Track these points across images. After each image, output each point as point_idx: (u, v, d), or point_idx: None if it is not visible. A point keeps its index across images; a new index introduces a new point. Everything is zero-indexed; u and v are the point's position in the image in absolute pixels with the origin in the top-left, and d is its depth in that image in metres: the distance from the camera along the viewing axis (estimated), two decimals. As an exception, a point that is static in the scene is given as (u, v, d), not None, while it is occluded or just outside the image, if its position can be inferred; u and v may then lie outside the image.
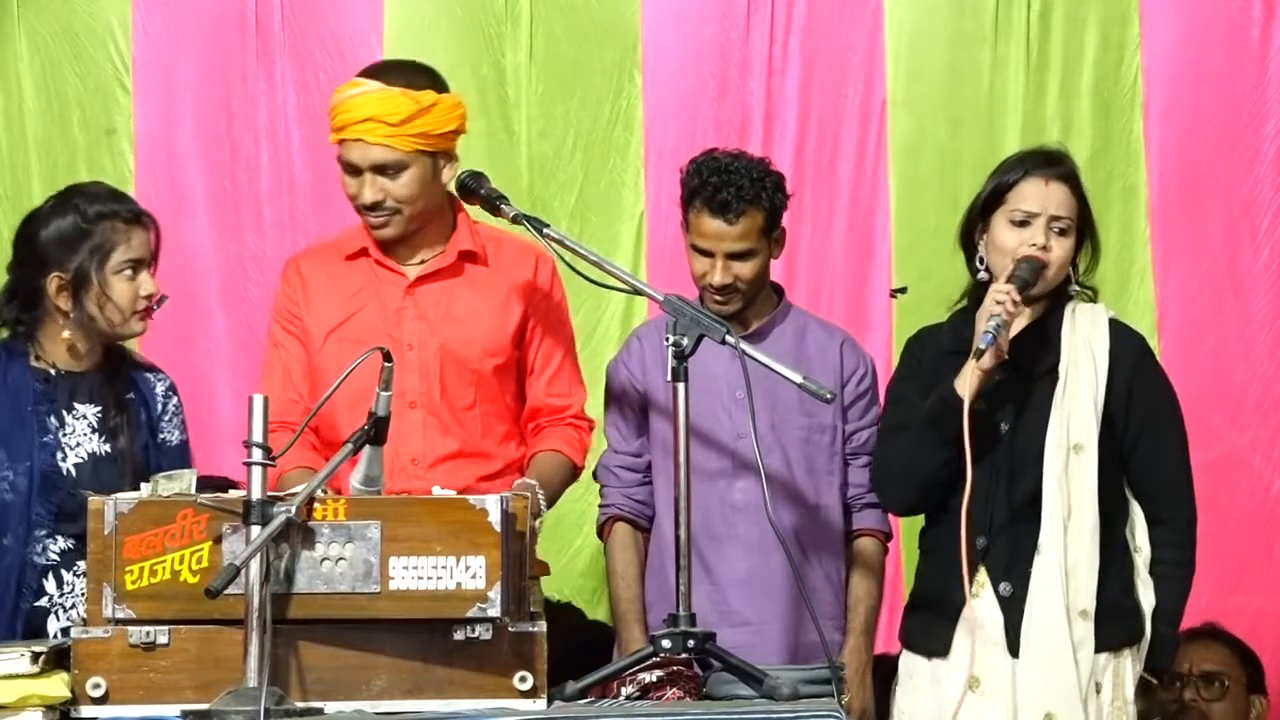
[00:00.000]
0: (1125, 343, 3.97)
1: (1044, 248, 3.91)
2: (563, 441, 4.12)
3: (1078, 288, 4.00)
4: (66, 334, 3.89)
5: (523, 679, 3.35)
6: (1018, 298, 3.84)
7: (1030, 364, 3.95)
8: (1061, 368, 3.93)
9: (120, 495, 3.36)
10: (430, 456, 4.00)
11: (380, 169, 3.94)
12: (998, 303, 3.83)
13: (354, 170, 3.96)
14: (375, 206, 3.97)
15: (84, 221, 3.89)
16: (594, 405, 5.06)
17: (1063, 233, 3.93)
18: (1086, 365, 3.92)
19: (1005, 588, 3.89)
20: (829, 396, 3.75)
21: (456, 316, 4.05)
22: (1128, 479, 3.98)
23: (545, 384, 4.14)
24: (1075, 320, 3.97)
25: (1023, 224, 3.93)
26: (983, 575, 3.92)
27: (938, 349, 4.04)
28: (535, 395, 4.14)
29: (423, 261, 4.07)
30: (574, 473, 4.16)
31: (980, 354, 3.80)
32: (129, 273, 3.90)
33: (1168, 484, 3.98)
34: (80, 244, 3.88)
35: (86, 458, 3.90)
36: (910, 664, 4.02)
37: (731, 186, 4.13)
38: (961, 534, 3.83)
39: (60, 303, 3.88)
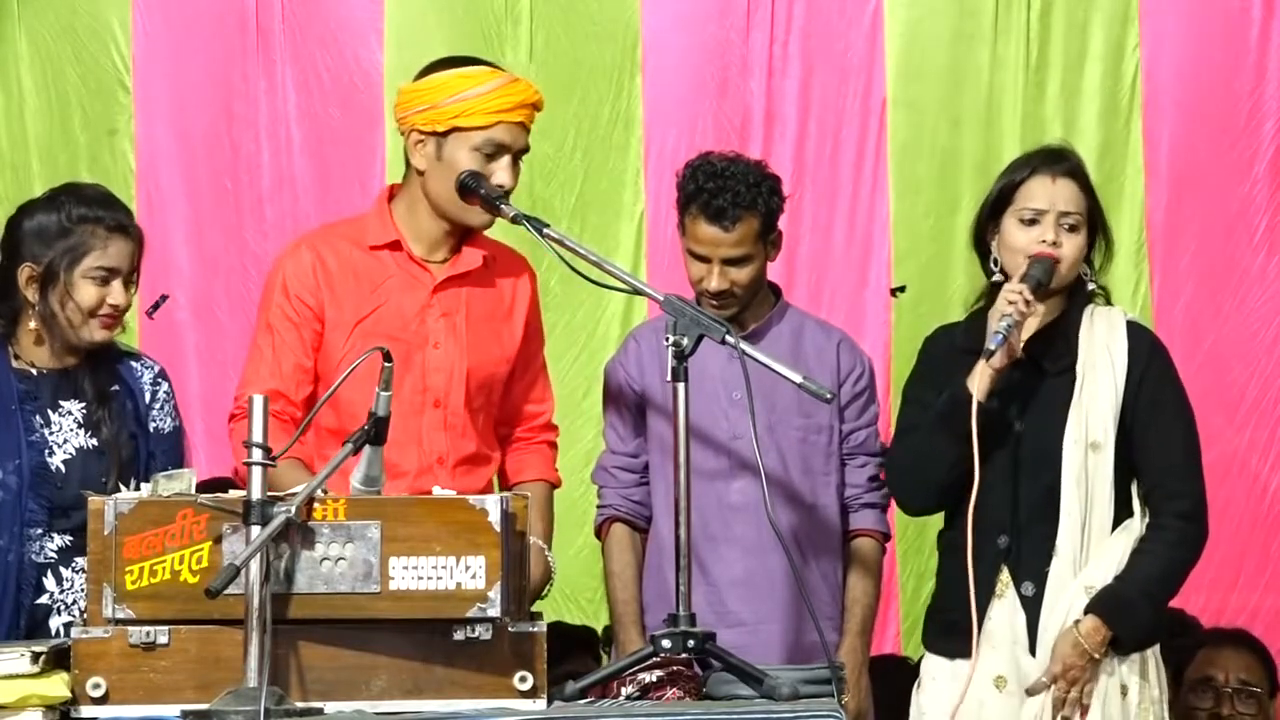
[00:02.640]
0: (1140, 341, 3.96)
1: (1054, 244, 3.92)
2: (544, 467, 4.18)
3: (1094, 286, 4.00)
4: (32, 325, 3.90)
5: (523, 679, 3.35)
6: (1030, 297, 3.84)
7: (1046, 362, 3.95)
8: (1079, 367, 3.92)
9: (120, 495, 3.36)
10: (454, 457, 4.00)
11: (520, 153, 3.99)
12: (1010, 302, 3.84)
13: (500, 151, 3.97)
14: (507, 191, 4.00)
15: (66, 221, 3.88)
16: (594, 405, 5.08)
17: (1072, 229, 3.93)
18: (1105, 365, 3.91)
19: (1028, 587, 3.89)
20: (829, 396, 3.75)
21: (476, 320, 4.05)
22: (1136, 473, 3.93)
23: (525, 389, 4.16)
24: (1094, 322, 3.96)
25: (1032, 222, 3.93)
26: (1005, 575, 3.91)
27: (952, 348, 4.05)
28: (516, 400, 4.16)
29: (444, 260, 4.07)
30: (554, 490, 4.22)
31: (991, 354, 3.81)
32: (99, 279, 3.89)
33: (1169, 472, 3.90)
34: (57, 242, 3.87)
35: (75, 453, 3.90)
36: (932, 667, 4.01)
37: (728, 193, 4.12)
38: (978, 534, 3.86)
39: (28, 294, 3.89)
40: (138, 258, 3.95)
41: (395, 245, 4.03)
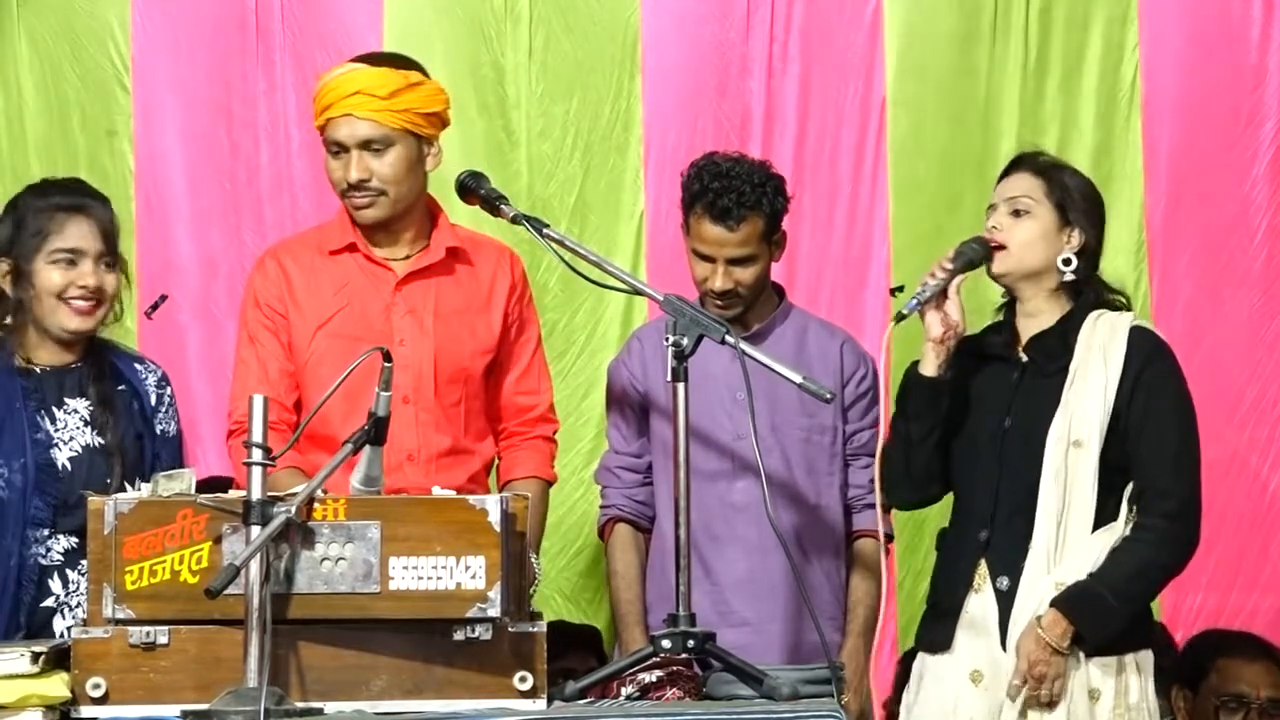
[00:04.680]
0: (1140, 344, 3.94)
1: (993, 228, 3.98)
2: (537, 464, 4.17)
3: (1102, 292, 4.00)
4: (9, 319, 3.91)
5: (523, 679, 3.35)
6: (950, 266, 3.92)
7: (1044, 364, 3.96)
8: (1072, 366, 3.93)
9: (120, 495, 3.36)
10: (426, 453, 4.00)
11: (367, 144, 3.95)
12: (931, 274, 3.94)
13: (340, 149, 3.97)
14: (360, 185, 3.96)
15: (28, 211, 3.92)
16: (594, 405, 5.08)
17: (1019, 213, 3.98)
18: (1097, 366, 3.91)
19: (1003, 582, 3.90)
20: (829, 397, 3.75)
21: (446, 314, 4.06)
22: (1129, 473, 3.90)
23: (515, 381, 4.15)
24: (1096, 326, 3.96)
25: (992, 210, 4.03)
26: (983, 568, 3.93)
27: (968, 352, 4.08)
28: (505, 393, 4.16)
29: (408, 257, 4.07)
30: (549, 488, 4.21)
31: (902, 317, 3.90)
32: (64, 262, 3.89)
33: (1159, 472, 3.86)
34: (22, 232, 3.90)
35: (81, 451, 3.91)
36: (920, 664, 4.04)
37: (733, 193, 4.13)
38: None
39: (6, 287, 3.91)
40: (108, 239, 3.94)
41: (352, 247, 4.05)
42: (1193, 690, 4.81)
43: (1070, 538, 3.85)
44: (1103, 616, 3.80)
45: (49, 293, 3.88)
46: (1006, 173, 4.07)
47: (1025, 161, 4.07)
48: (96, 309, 3.93)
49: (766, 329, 4.28)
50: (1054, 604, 3.80)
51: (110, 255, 3.94)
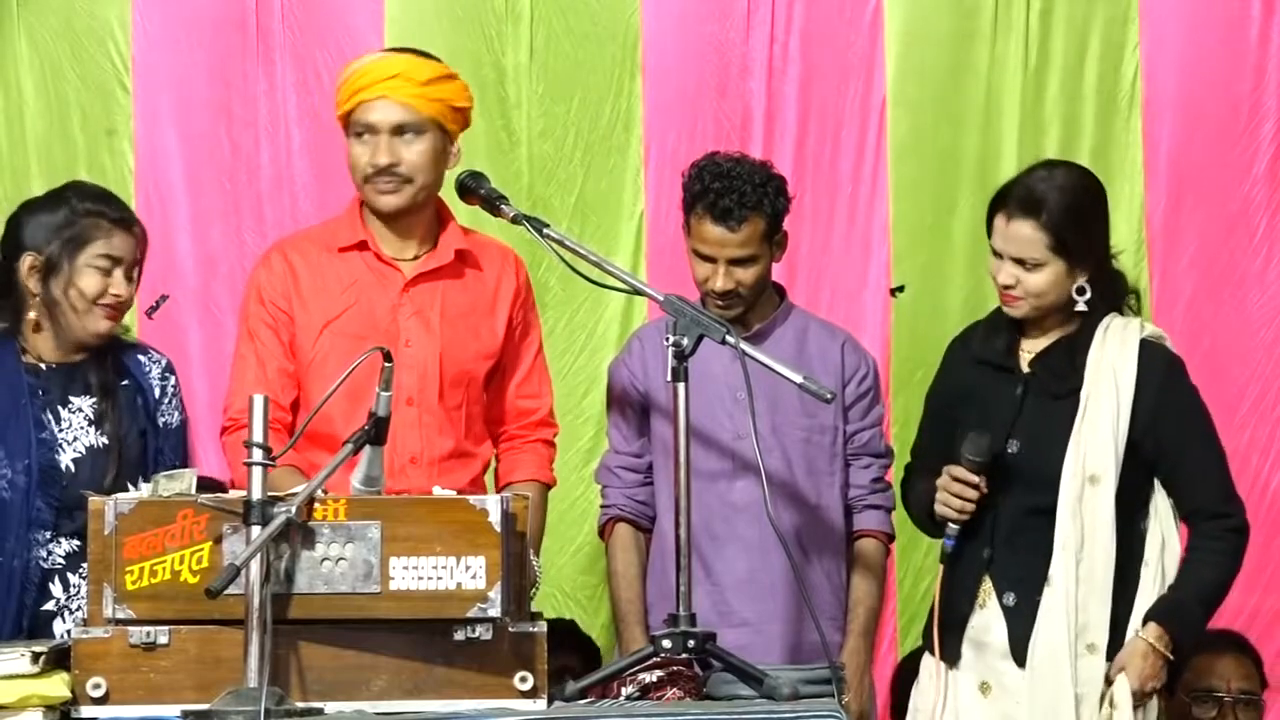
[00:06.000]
0: (1152, 365, 3.92)
1: (1009, 287, 3.94)
2: (536, 467, 4.16)
3: (1085, 308, 3.97)
4: (32, 315, 3.91)
5: (523, 679, 3.36)
6: (972, 481, 3.89)
7: (1052, 384, 3.94)
8: (1083, 394, 3.91)
9: (120, 495, 3.36)
10: (429, 456, 4.00)
11: (399, 129, 3.94)
12: (958, 498, 3.91)
13: (369, 131, 3.95)
14: (387, 170, 3.95)
15: (71, 214, 3.92)
16: (594, 404, 5.08)
17: (1028, 266, 3.92)
18: (1109, 393, 3.89)
19: (1010, 598, 3.91)
20: (829, 396, 3.75)
21: (452, 317, 4.05)
22: (1172, 500, 3.95)
23: (516, 385, 4.15)
24: (1105, 340, 3.94)
25: (998, 255, 3.97)
26: (987, 584, 3.93)
27: (968, 356, 4.07)
28: (508, 396, 4.15)
29: (416, 258, 4.07)
30: (548, 491, 4.20)
31: (947, 555, 3.94)
32: (102, 267, 3.91)
33: (1213, 496, 3.96)
34: (61, 232, 3.91)
35: (85, 451, 3.90)
36: (929, 665, 4.04)
37: (734, 193, 4.13)
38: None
39: (30, 284, 3.91)
40: (140, 253, 3.98)
41: (363, 245, 4.04)
42: (1169, 690, 4.81)
43: (1088, 573, 3.86)
44: (1196, 625, 3.93)
45: (88, 295, 3.89)
46: (1002, 212, 3.94)
47: (1020, 203, 3.92)
48: (118, 316, 3.96)
49: (767, 329, 4.28)
50: (1153, 618, 3.86)
51: (137, 268, 3.98)
